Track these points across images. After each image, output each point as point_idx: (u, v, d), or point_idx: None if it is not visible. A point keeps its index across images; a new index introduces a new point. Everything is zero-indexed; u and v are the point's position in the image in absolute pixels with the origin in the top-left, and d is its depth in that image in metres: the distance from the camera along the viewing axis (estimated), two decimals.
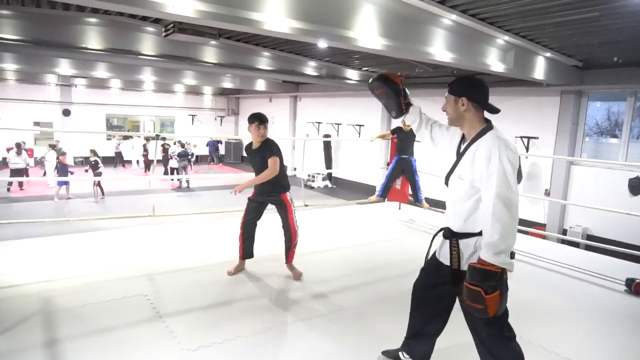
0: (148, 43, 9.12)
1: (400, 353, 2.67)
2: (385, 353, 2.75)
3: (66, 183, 13.43)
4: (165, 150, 17.54)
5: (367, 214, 7.14)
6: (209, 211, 5.88)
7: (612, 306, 3.85)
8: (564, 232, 10.19)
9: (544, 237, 8.07)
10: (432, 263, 2.45)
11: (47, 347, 2.76)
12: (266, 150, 3.96)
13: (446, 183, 2.36)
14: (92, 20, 8.15)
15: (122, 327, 3.04)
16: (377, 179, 14.78)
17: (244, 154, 23.96)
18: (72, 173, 13.21)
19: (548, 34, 7.26)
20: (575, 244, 7.45)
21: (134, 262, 4.27)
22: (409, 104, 2.56)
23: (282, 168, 3.98)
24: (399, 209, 6.89)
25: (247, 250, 4.14)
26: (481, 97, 2.24)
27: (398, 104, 2.54)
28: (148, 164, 18.45)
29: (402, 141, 6.27)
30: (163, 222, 5.78)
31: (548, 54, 8.41)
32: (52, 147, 15.09)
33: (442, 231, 2.34)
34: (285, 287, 3.86)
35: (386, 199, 6.94)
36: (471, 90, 2.24)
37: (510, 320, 2.24)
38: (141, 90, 22.05)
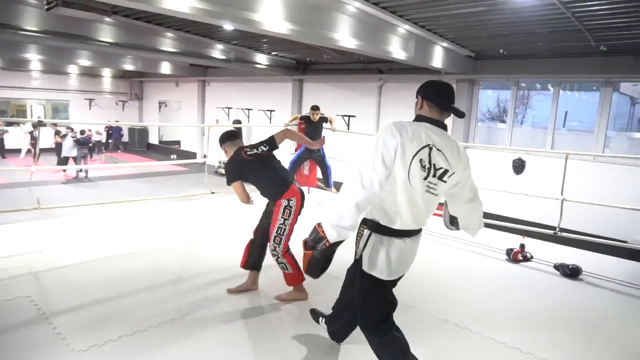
0: (30, 17, 8.13)
1: (321, 319, 2.81)
2: (312, 311, 2.92)
3: None
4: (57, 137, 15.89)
5: None
6: (102, 202, 5.44)
7: (495, 274, 4.29)
8: None
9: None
10: None
11: None
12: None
13: None
14: None
15: (3, 332, 2.73)
16: (286, 164, 14.86)
17: (151, 141, 22.77)
18: None
19: (443, 25, 7.75)
20: None
21: (15, 262, 3.85)
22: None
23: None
24: (308, 192, 6.99)
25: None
26: (434, 96, 2.17)
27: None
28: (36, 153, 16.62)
29: (310, 131, 6.35)
30: (50, 216, 5.27)
31: (445, 44, 8.99)
32: None
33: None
34: (179, 279, 3.73)
35: None
36: (426, 89, 2.20)
37: (406, 293, 2.39)
38: (27, 71, 19.68)
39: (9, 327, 2.81)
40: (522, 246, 4.60)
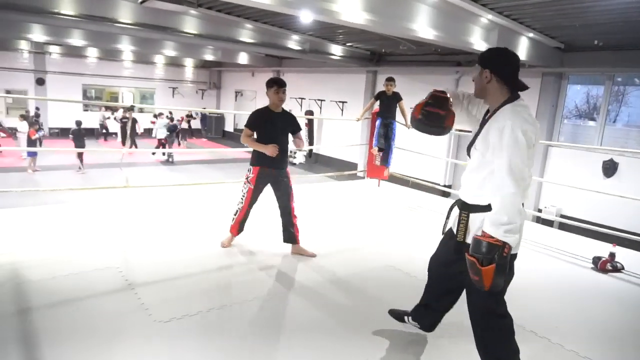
0: (125, 10, 8.79)
1: (406, 317, 2.72)
2: (391, 312, 2.81)
3: (34, 154, 13.18)
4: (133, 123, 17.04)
5: (346, 190, 7.16)
6: (185, 183, 5.77)
7: (579, 283, 3.97)
8: (539, 211, 10.42)
9: None
10: (447, 236, 2.45)
11: (14, 318, 2.71)
12: (294, 122, 4.00)
13: (468, 154, 2.32)
14: None
15: (92, 299, 3.00)
16: (358, 155, 14.81)
17: (226, 129, 23.77)
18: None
19: (531, 13, 7.24)
20: (549, 223, 7.64)
21: (107, 235, 4.20)
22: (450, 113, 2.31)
23: None
24: (379, 186, 6.91)
25: (242, 227, 4.09)
26: (506, 72, 2.13)
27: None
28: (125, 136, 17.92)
29: (385, 104, 6.23)
30: (139, 194, 5.67)
31: (531, 35, 8.41)
32: (24, 117, 14.65)
33: (457, 203, 2.34)
34: (260, 262, 3.86)
35: (366, 176, 6.98)
36: (496, 63, 2.15)
37: None
38: (120, 61, 21.38)
39: (99, 293, 3.08)
40: (612, 255, 4.21)
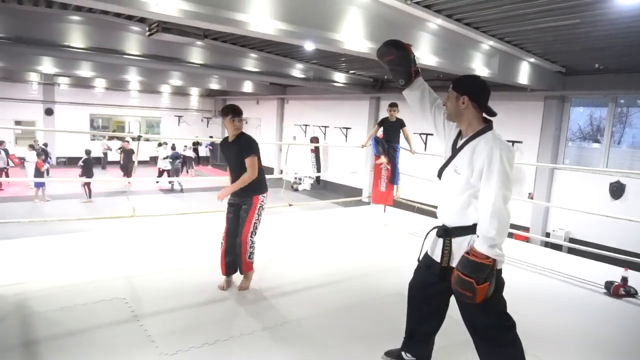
0: (133, 42, 9.02)
1: (402, 352, 2.68)
2: (387, 353, 2.76)
3: (42, 185, 13.26)
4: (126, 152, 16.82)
5: (351, 216, 7.14)
6: (191, 212, 5.80)
7: (592, 308, 3.89)
8: (547, 235, 10.32)
9: (527, 240, 8.17)
10: (425, 261, 2.49)
11: (20, 350, 2.68)
12: (243, 146, 3.67)
13: (439, 176, 2.40)
14: (76, 18, 8.04)
15: (97, 331, 2.96)
16: (363, 181, 14.83)
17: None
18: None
19: (531, 39, 7.37)
20: (557, 247, 7.54)
21: (114, 264, 4.18)
22: (417, 72, 2.46)
23: (261, 167, 3.79)
24: (384, 211, 6.88)
25: (230, 267, 3.76)
26: (482, 99, 2.27)
27: (408, 72, 2.44)
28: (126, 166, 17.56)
29: (388, 130, 6.26)
30: (144, 223, 5.68)
31: (532, 60, 8.53)
32: (32, 147, 14.84)
33: (436, 229, 2.41)
34: (266, 291, 3.81)
35: (371, 202, 6.96)
36: (473, 90, 2.27)
37: None
38: (126, 91, 21.80)
39: (105, 325, 3.04)
40: (625, 279, 4.13)
